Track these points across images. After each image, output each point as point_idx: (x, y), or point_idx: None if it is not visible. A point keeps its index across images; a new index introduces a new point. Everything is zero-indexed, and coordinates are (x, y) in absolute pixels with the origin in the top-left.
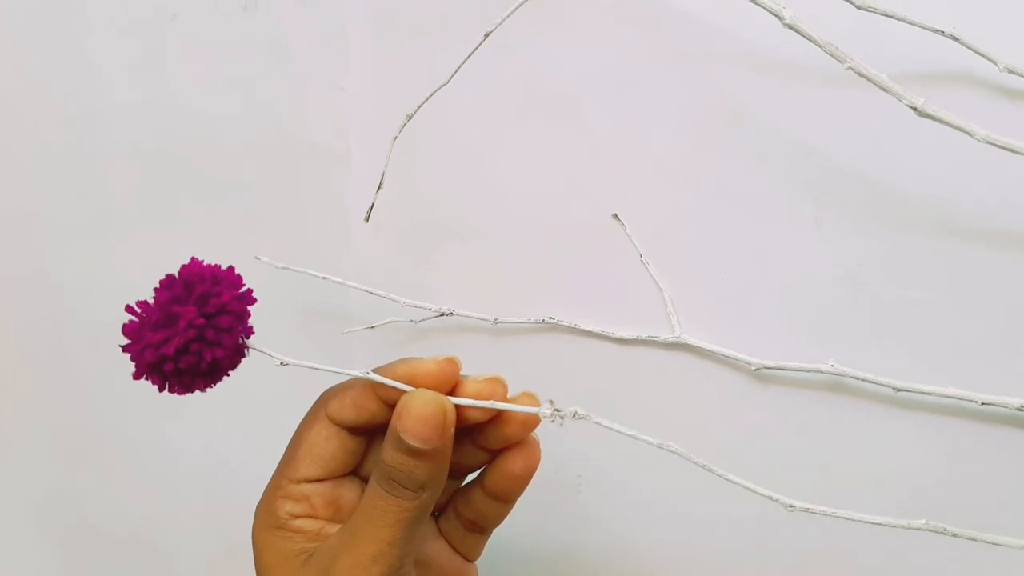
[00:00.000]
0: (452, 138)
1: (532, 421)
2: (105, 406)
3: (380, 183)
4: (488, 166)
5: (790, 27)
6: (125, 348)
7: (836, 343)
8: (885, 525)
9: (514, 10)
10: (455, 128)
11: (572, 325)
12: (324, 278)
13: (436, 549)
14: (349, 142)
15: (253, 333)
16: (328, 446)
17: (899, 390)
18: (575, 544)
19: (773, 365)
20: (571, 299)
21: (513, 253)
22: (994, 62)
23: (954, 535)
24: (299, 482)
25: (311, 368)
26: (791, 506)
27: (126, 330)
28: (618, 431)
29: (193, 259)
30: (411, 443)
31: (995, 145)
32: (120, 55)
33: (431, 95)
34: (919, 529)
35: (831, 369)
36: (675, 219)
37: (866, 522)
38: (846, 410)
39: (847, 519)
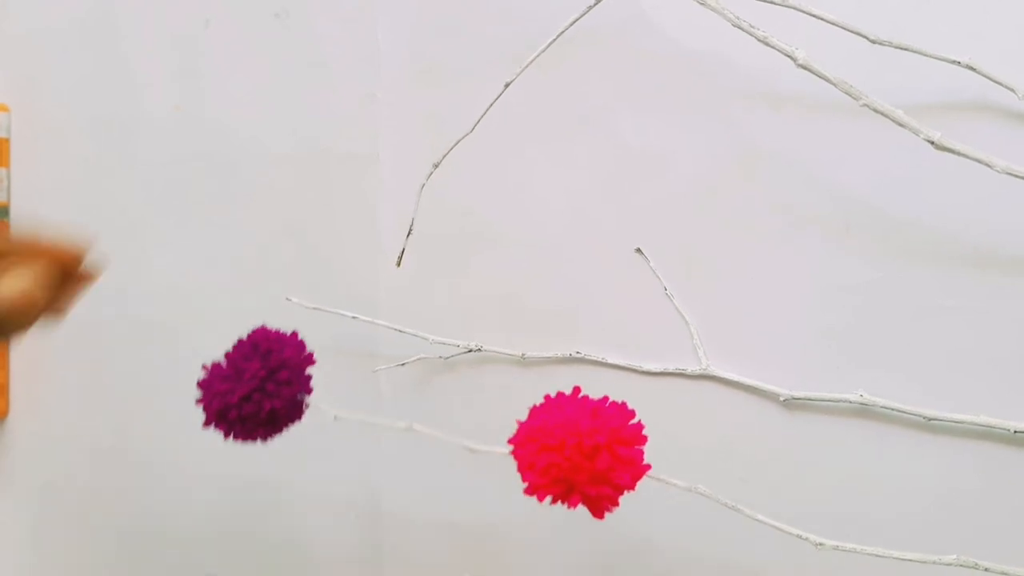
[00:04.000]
0: (480, 178)
1: None
2: (141, 409)
3: (410, 229)
4: (515, 203)
5: (803, 67)
6: (199, 401)
7: (865, 371)
8: (915, 561)
9: (534, 58)
10: (483, 167)
11: (599, 359)
12: (354, 317)
13: None
14: (379, 149)
15: (312, 392)
16: None
17: (930, 419)
18: None
19: (802, 396)
20: (597, 333)
21: (539, 288)
22: (1012, 90)
23: (986, 570)
24: None
25: (362, 421)
26: (820, 544)
27: (200, 384)
28: (648, 476)
29: (263, 326)
30: None
31: (1015, 176)
32: (157, 63)
33: (456, 144)
34: (950, 564)
35: (860, 399)
36: (699, 252)
37: (895, 558)
38: (875, 438)
39: (877, 556)
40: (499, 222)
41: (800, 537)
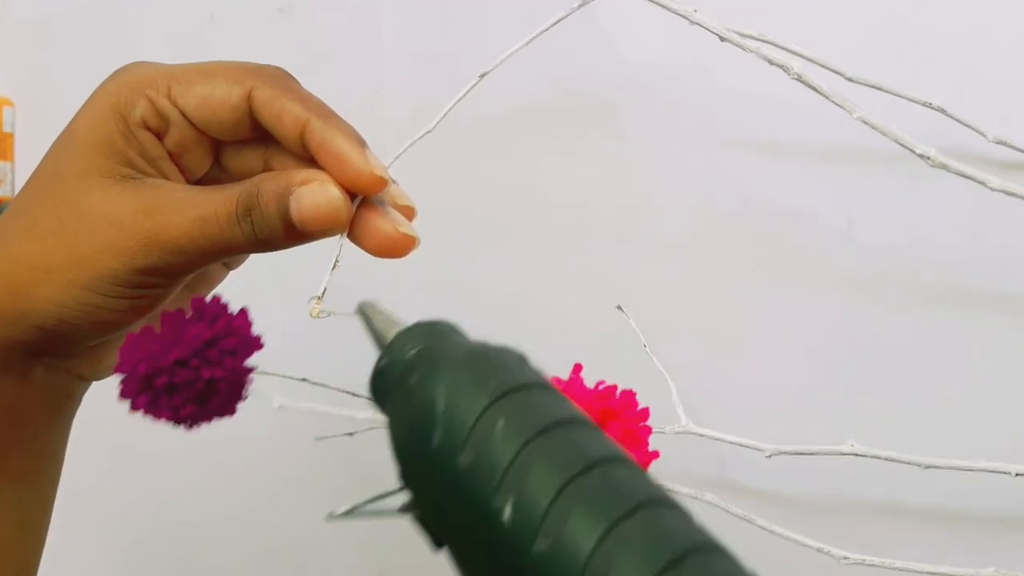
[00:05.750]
0: (462, 222)
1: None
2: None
3: (335, 262)
4: (490, 259)
5: (798, 78)
6: (119, 367)
7: (854, 419)
8: (949, 575)
9: (511, 53)
10: (463, 206)
11: None
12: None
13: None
14: (383, 144)
15: (251, 382)
16: (224, 108)
17: (927, 467)
18: None
19: (789, 450)
20: None
21: (515, 344)
22: (983, 134)
23: None
24: (174, 102)
25: (309, 411)
26: (844, 558)
27: (124, 348)
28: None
29: (213, 296)
30: (292, 219)
31: (1011, 195)
32: (163, 57)
33: (412, 143)
34: None
35: (852, 450)
36: (678, 307)
37: (925, 572)
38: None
39: (903, 570)
40: (474, 280)
41: (821, 551)
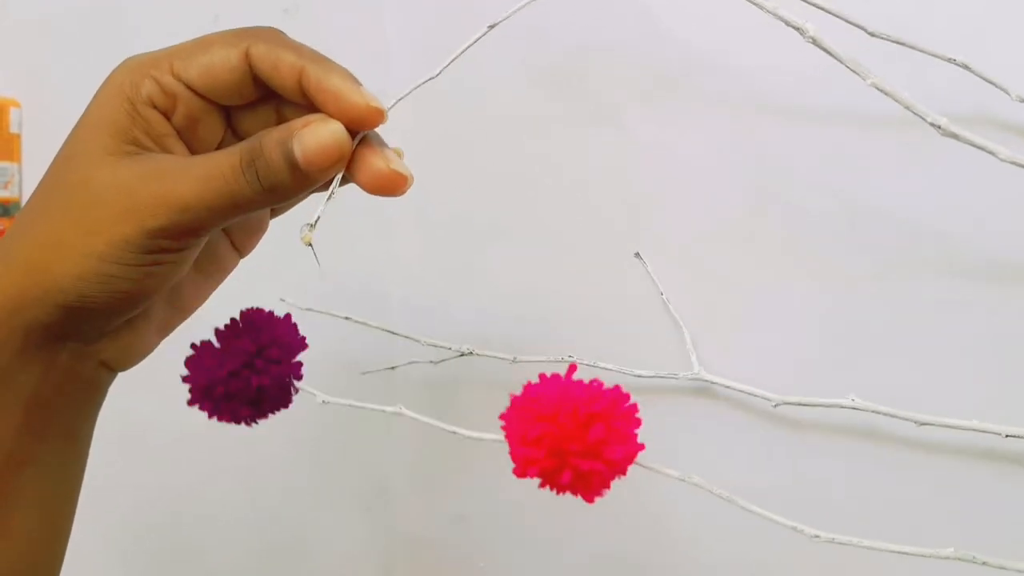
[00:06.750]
0: (475, 175)
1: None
2: (148, 399)
3: (331, 193)
4: (507, 200)
5: (813, 41)
6: (186, 378)
7: (857, 376)
8: (912, 554)
9: (522, 6)
10: (478, 161)
11: (591, 363)
12: (346, 318)
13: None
14: (390, 144)
15: (302, 378)
16: (224, 70)
17: (922, 424)
18: None
19: (793, 401)
20: (591, 337)
21: (533, 289)
22: (1006, 91)
23: (984, 563)
24: (178, 77)
25: (350, 406)
26: (816, 536)
27: (188, 361)
28: (639, 464)
29: (256, 307)
30: (297, 160)
31: (1021, 165)
32: None
33: (415, 87)
34: (947, 558)
35: (852, 404)
36: (695, 258)
37: (893, 551)
38: (869, 443)
39: (873, 548)
40: (495, 225)
41: (795, 529)
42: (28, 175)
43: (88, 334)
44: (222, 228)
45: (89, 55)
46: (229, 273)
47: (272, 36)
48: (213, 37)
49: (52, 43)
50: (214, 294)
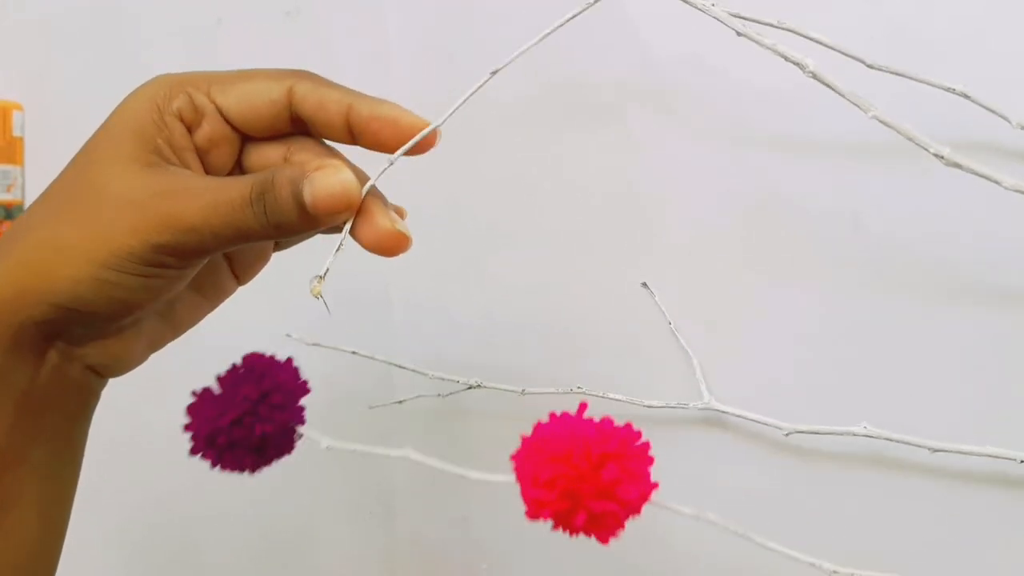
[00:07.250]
0: (481, 203)
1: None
2: (149, 400)
3: (339, 245)
4: (515, 232)
5: (813, 76)
6: (187, 427)
7: (869, 404)
8: None
9: (525, 50)
10: (485, 193)
11: (600, 394)
12: (353, 352)
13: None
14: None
15: (304, 423)
16: (264, 101)
17: (935, 451)
18: None
19: (805, 429)
20: (598, 367)
21: (541, 321)
22: (1006, 119)
23: None
24: (212, 99)
25: (355, 451)
26: (834, 572)
27: (189, 408)
28: (653, 503)
29: (257, 352)
30: (306, 202)
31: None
32: (170, 61)
33: (418, 138)
34: None
35: (864, 431)
36: (703, 287)
37: None
38: (882, 472)
39: None
40: (502, 253)
41: (813, 565)
42: (31, 178)
43: (77, 335)
44: (224, 253)
45: (91, 58)
46: (226, 298)
47: (315, 76)
48: (257, 71)
49: (54, 46)
50: (221, 327)
